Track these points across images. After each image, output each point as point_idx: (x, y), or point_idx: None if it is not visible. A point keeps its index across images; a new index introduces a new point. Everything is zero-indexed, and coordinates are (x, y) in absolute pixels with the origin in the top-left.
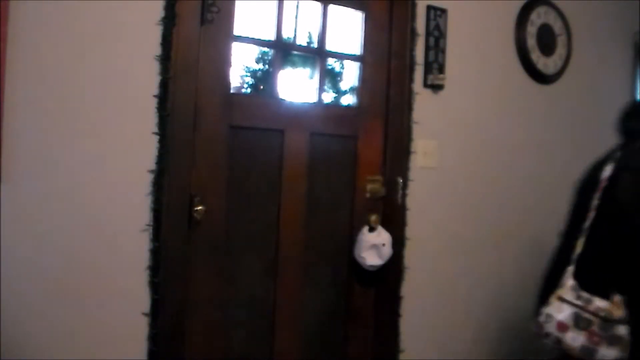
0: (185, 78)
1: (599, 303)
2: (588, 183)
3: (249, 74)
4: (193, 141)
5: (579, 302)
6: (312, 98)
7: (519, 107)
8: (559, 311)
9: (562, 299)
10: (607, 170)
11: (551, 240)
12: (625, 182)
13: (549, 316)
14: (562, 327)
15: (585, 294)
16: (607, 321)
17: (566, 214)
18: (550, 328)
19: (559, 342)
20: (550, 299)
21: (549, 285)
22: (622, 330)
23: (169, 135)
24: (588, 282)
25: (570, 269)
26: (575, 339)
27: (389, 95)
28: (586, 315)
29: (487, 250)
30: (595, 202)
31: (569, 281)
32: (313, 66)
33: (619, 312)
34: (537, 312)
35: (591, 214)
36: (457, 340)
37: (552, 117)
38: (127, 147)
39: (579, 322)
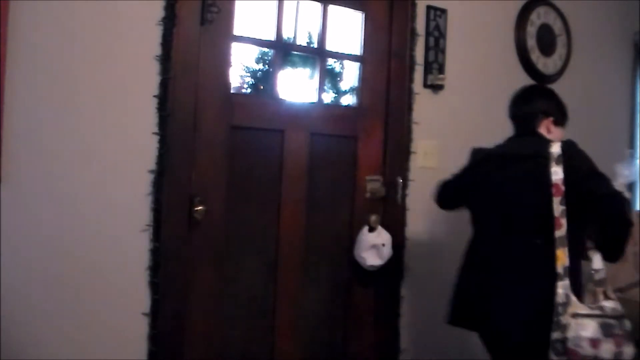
0: (185, 78)
1: (606, 304)
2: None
3: (249, 74)
4: (193, 141)
5: (597, 312)
6: (312, 98)
7: None
8: (585, 329)
9: (579, 315)
10: (558, 173)
11: None
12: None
13: (577, 338)
14: (595, 343)
15: (593, 303)
16: (621, 318)
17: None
18: (586, 350)
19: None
20: (563, 319)
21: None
22: (629, 324)
23: (169, 135)
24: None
25: (565, 284)
26: (608, 350)
27: (389, 95)
28: (608, 320)
29: None
30: (561, 207)
31: (571, 296)
32: (313, 66)
33: (621, 307)
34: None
35: (562, 222)
36: (457, 340)
37: None
38: (127, 147)
39: (606, 330)
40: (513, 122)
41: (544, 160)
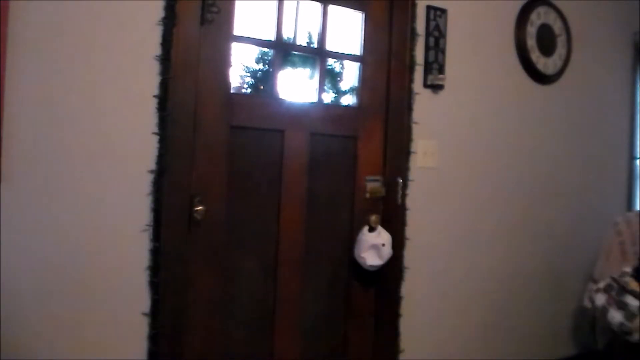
0: (185, 78)
1: (627, 278)
2: None
3: (249, 74)
4: (193, 141)
5: (615, 276)
6: (312, 98)
7: (519, 107)
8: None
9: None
10: None
11: (549, 239)
12: None
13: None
14: (597, 290)
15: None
16: (622, 289)
17: None
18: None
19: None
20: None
21: None
22: (630, 299)
23: (169, 135)
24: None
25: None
26: (600, 298)
27: (389, 95)
28: (612, 282)
29: (487, 249)
30: None
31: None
32: (313, 66)
33: (635, 286)
34: None
35: None
36: (457, 340)
37: (551, 117)
38: (127, 147)
39: (607, 287)
40: None
41: None
